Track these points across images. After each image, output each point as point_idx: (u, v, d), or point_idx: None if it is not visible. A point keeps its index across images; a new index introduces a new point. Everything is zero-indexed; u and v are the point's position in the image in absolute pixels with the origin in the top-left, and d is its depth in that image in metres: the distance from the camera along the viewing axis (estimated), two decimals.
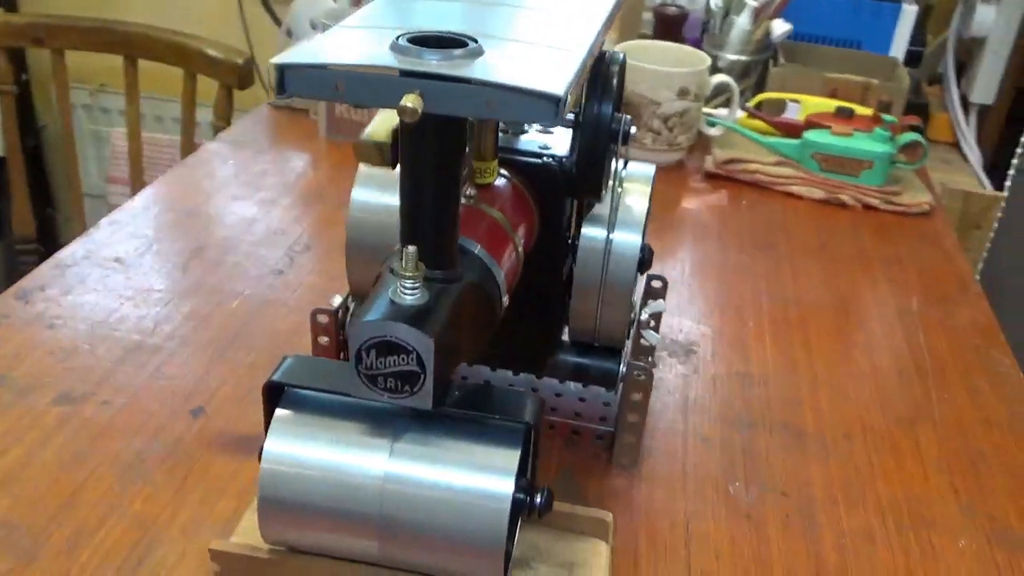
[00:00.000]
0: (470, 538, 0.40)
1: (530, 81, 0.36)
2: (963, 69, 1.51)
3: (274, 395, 0.43)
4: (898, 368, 0.78)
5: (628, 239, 0.57)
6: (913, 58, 1.31)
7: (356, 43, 0.40)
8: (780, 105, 1.20)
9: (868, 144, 1.06)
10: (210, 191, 0.98)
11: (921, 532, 0.61)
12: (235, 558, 0.44)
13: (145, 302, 0.78)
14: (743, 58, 1.26)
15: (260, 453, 0.44)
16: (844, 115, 1.12)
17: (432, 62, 0.37)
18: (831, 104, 1.14)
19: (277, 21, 1.59)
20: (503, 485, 0.40)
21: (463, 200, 0.50)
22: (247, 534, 0.46)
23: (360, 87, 0.37)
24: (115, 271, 0.82)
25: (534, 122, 0.37)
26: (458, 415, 0.42)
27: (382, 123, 0.51)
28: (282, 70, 0.37)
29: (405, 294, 0.40)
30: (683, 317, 0.82)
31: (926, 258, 0.97)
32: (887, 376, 0.77)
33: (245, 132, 1.13)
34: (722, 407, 0.71)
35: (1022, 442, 0.70)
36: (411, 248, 0.40)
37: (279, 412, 0.42)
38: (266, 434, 0.44)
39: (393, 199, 0.58)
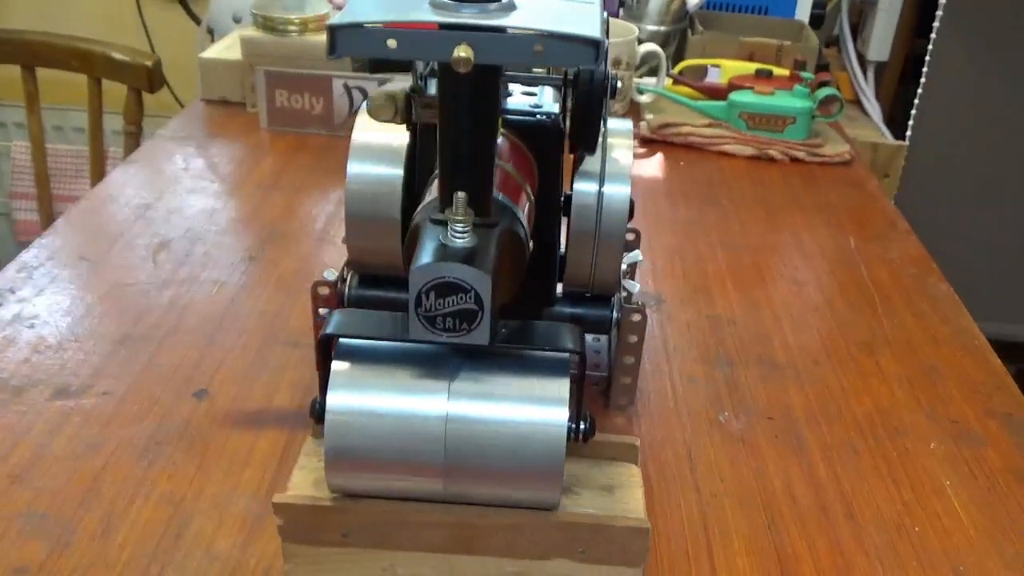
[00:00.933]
0: (531, 466, 0.43)
1: (571, 28, 0.39)
2: (856, 30, 1.61)
3: (327, 349, 0.45)
4: (848, 300, 0.84)
5: (618, 191, 0.60)
6: (814, 21, 1.39)
7: (395, 3, 0.42)
8: (702, 70, 1.26)
9: (790, 101, 1.13)
10: (163, 186, 0.97)
11: (896, 440, 0.66)
12: (300, 509, 0.46)
13: (122, 295, 0.77)
14: (662, 28, 1.31)
15: (313, 408, 0.46)
16: (763, 76, 1.18)
17: (477, 15, 0.39)
18: (750, 67, 1.21)
19: (196, 19, 1.57)
20: (559, 413, 0.43)
21: None
22: (298, 488, 0.48)
23: (411, 43, 0.39)
24: (84, 268, 0.81)
25: (575, 66, 0.40)
26: (507, 351, 0.45)
27: (382, 89, 0.53)
28: (333, 31, 0.39)
29: (456, 237, 0.42)
30: (649, 269, 0.86)
31: (855, 202, 1.04)
32: (840, 308, 0.83)
33: (184, 128, 1.12)
34: (700, 348, 0.76)
35: (967, 356, 0.77)
36: (461, 194, 0.42)
37: (336, 364, 0.44)
38: (322, 387, 0.45)
39: (387, 169, 0.61)
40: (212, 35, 1.33)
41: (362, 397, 0.44)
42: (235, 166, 1.03)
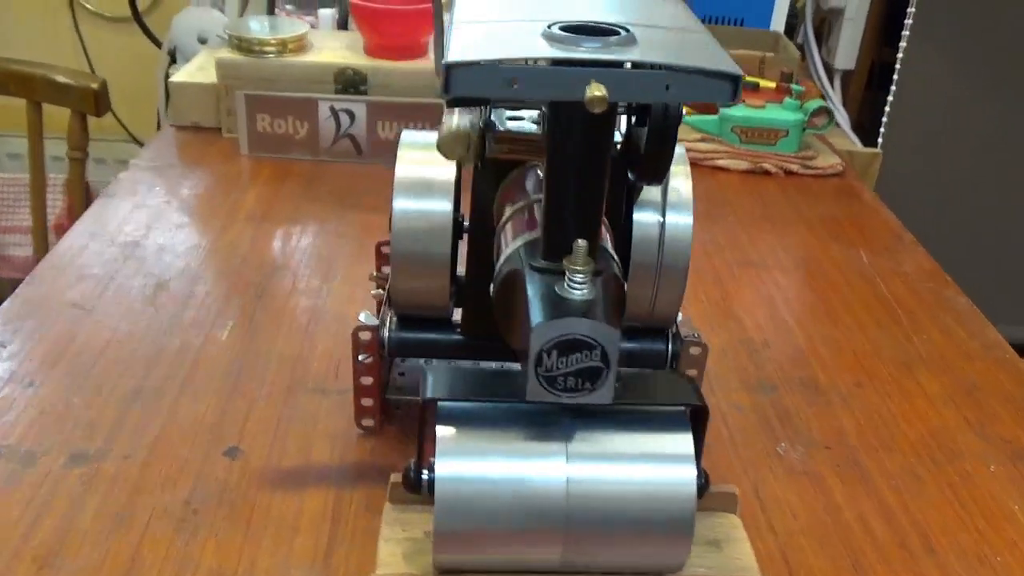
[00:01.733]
0: (659, 527, 0.40)
1: (701, 61, 0.36)
2: (820, 39, 1.62)
3: (428, 413, 0.41)
4: (874, 318, 0.83)
5: (682, 220, 0.58)
6: (787, 31, 1.39)
7: (505, 36, 0.38)
8: None
9: (781, 114, 1.13)
10: (148, 221, 0.91)
11: (955, 463, 0.65)
12: None
13: (126, 345, 0.72)
14: None
15: (408, 477, 0.42)
16: (751, 88, 1.18)
17: (601, 50, 0.36)
18: None
19: (156, 42, 1.49)
20: (687, 471, 0.41)
21: None
22: (391, 566, 0.44)
23: (537, 81, 0.36)
24: (78, 316, 0.75)
25: (709, 101, 0.37)
26: (620, 407, 0.42)
27: (452, 124, 0.50)
28: (450, 69, 0.35)
29: (575, 289, 0.39)
30: None
31: (856, 214, 1.03)
32: (868, 325, 0.82)
33: (159, 157, 1.06)
34: (740, 375, 0.73)
35: (1003, 371, 0.76)
36: (582, 242, 0.39)
37: (442, 430, 0.41)
38: (420, 454, 0.42)
39: (437, 204, 0.57)
40: (174, 57, 1.27)
41: (474, 464, 0.40)
42: (221, 196, 0.97)
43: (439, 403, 0.41)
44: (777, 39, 1.33)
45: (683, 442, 0.41)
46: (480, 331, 0.61)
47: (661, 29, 0.40)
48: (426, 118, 1.05)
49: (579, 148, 0.40)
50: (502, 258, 0.46)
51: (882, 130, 1.46)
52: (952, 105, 1.47)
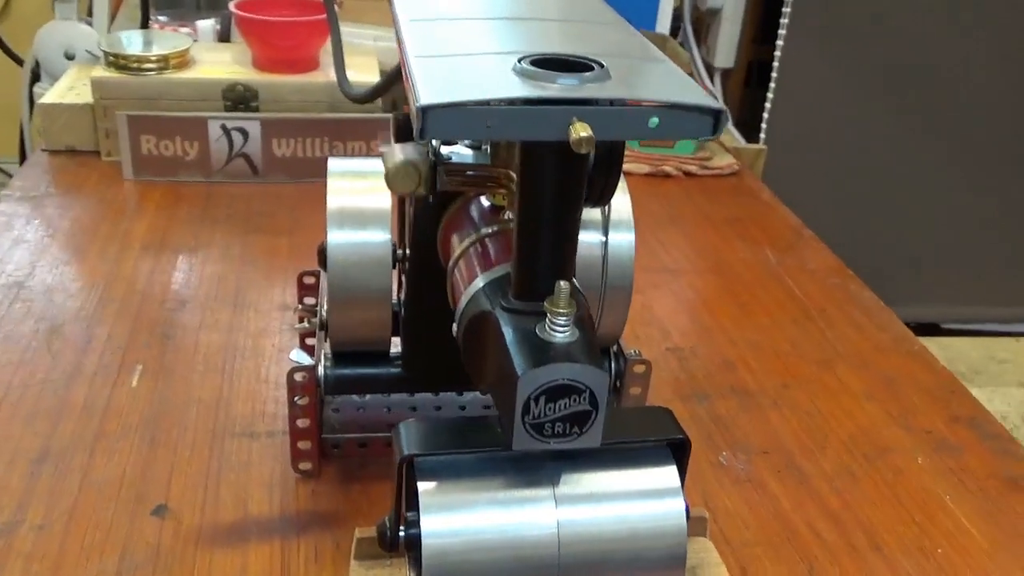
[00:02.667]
0: (652, 563, 0.40)
1: (685, 96, 0.35)
2: (699, 38, 1.66)
3: (406, 470, 0.39)
4: (790, 316, 0.85)
5: (623, 239, 0.57)
6: (671, 32, 1.41)
7: (479, 75, 0.36)
8: None
9: None
10: (30, 259, 0.84)
11: (886, 458, 0.67)
12: None
13: (24, 400, 0.66)
14: None
15: (384, 536, 0.40)
16: None
17: (578, 88, 0.35)
18: None
19: (17, 60, 1.38)
20: (675, 504, 0.40)
21: (507, 224, 0.48)
22: None
23: (514, 122, 0.34)
24: None
25: (691, 137, 0.36)
26: (603, 446, 0.40)
27: (400, 150, 0.47)
28: (426, 111, 0.33)
29: (557, 331, 0.38)
30: None
31: (757, 213, 1.06)
32: (785, 324, 0.84)
33: (32, 186, 0.98)
34: (673, 385, 0.74)
35: (914, 362, 0.79)
36: (565, 284, 0.37)
37: (423, 485, 0.38)
38: (397, 511, 0.39)
39: (375, 235, 0.54)
40: (38, 74, 1.18)
41: (461, 518, 0.38)
42: (109, 226, 0.91)
43: (420, 458, 0.39)
44: (665, 41, 1.35)
45: (669, 476, 0.40)
46: (423, 364, 0.59)
47: (629, 60, 0.39)
48: (324, 134, 1.01)
49: (555, 188, 0.38)
50: (465, 297, 0.44)
51: (764, 126, 1.51)
52: (829, 99, 1.53)
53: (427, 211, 0.53)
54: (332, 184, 0.56)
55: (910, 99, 1.54)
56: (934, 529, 0.61)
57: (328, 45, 1.06)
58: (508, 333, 0.38)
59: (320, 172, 1.02)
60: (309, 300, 0.69)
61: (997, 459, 0.68)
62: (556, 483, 0.39)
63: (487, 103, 0.34)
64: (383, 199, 0.56)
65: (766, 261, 0.95)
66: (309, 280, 0.68)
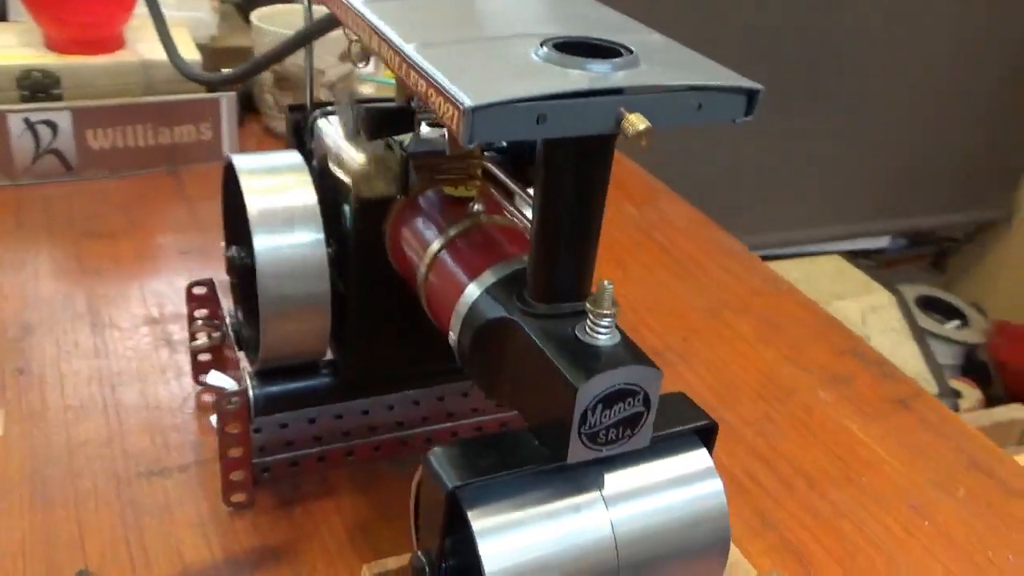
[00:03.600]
0: (702, 546, 0.39)
1: (723, 79, 0.34)
2: None
3: (453, 501, 0.36)
4: (670, 271, 0.87)
5: None
6: None
7: (515, 67, 0.33)
8: None
9: None
10: None
11: (795, 398, 0.71)
12: None
13: None
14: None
15: (424, 568, 0.37)
16: None
17: (627, 74, 0.33)
18: None
19: None
20: (715, 485, 0.39)
21: (478, 218, 0.45)
22: None
23: (566, 118, 0.31)
24: None
25: (727, 119, 0.35)
26: None
27: (357, 147, 0.43)
28: (475, 113, 0.30)
29: (600, 334, 0.36)
30: None
31: None
32: (666, 279, 0.85)
33: None
34: None
35: (789, 300, 0.84)
36: (609, 283, 0.35)
37: (474, 514, 0.35)
38: (442, 546, 0.36)
39: (307, 235, 0.49)
40: None
41: (517, 539, 0.36)
42: None
43: (463, 488, 0.36)
44: None
45: (702, 459, 0.40)
46: (363, 370, 0.54)
47: (637, 40, 0.36)
48: (146, 120, 0.91)
49: (581, 183, 0.35)
50: (463, 305, 0.40)
51: None
52: None
53: (370, 206, 0.48)
54: (247, 183, 0.50)
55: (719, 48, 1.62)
56: (853, 459, 0.65)
57: (134, 21, 0.95)
58: (545, 342, 0.36)
59: (147, 163, 0.93)
60: (201, 312, 0.62)
61: (883, 384, 0.74)
62: (601, 485, 0.38)
63: (539, 99, 0.30)
64: (308, 195, 0.50)
65: (632, 216, 0.96)
66: (200, 291, 0.61)
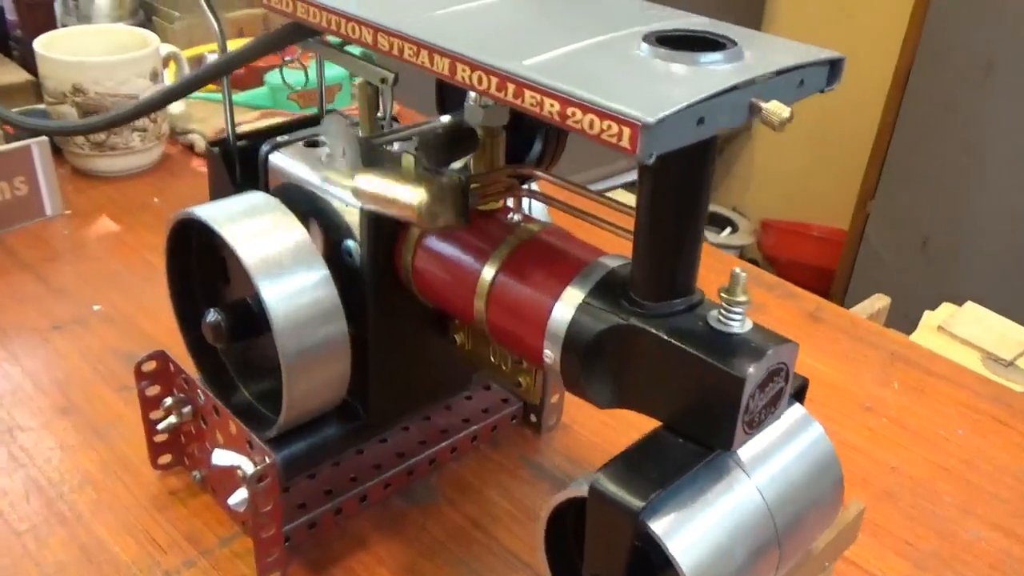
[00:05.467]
0: (827, 486, 0.41)
1: (814, 54, 0.35)
2: None
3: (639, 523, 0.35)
4: None
5: None
6: None
7: (645, 68, 0.32)
8: (199, 61, 1.11)
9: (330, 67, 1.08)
10: None
11: None
12: None
13: None
14: (123, 25, 1.11)
15: None
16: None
17: (743, 65, 0.33)
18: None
19: None
20: (818, 429, 0.41)
21: (520, 232, 0.43)
22: None
23: (717, 114, 0.31)
24: None
25: (815, 91, 0.35)
26: None
27: (408, 183, 0.40)
28: (651, 129, 0.29)
29: (735, 321, 0.36)
30: None
31: None
32: None
33: None
34: None
35: None
36: (743, 272, 0.36)
37: (658, 526, 0.35)
38: (626, 566, 0.36)
39: (309, 275, 0.46)
40: None
41: (698, 535, 0.36)
42: None
43: (648, 507, 0.35)
44: None
45: (800, 411, 0.41)
46: (390, 401, 0.51)
47: (720, 28, 0.36)
48: None
49: (693, 179, 0.35)
50: (557, 321, 0.39)
51: None
52: None
53: (383, 239, 0.45)
54: (231, 233, 0.45)
55: None
56: None
57: None
58: (685, 340, 0.36)
59: None
60: (152, 389, 0.55)
61: (791, 303, 0.80)
62: (737, 460, 0.38)
63: (699, 102, 0.30)
64: (294, 223, 0.46)
65: None
66: (150, 367, 0.54)
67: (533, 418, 0.63)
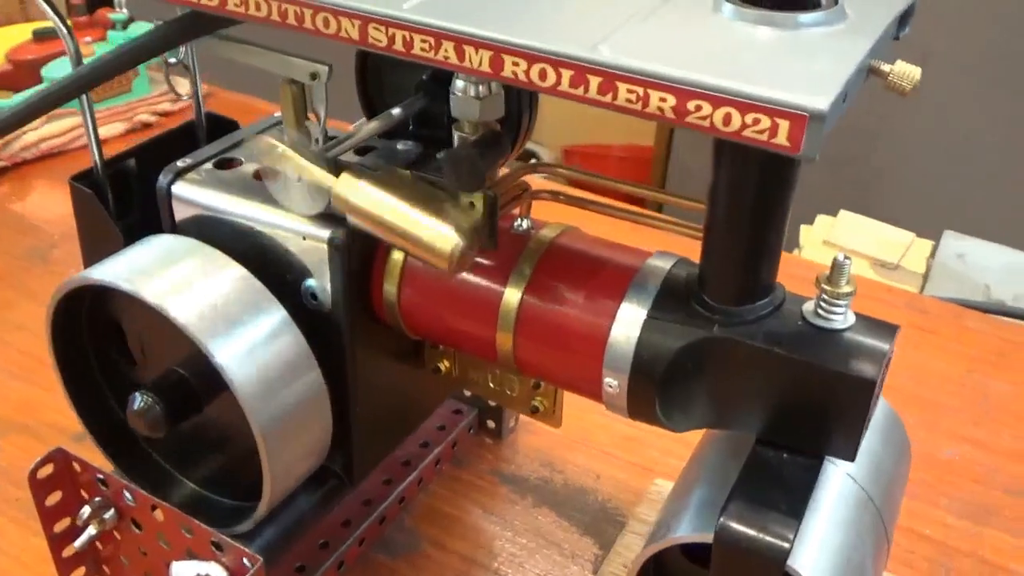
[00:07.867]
0: (900, 453, 0.39)
1: (896, 3, 0.30)
2: None
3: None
4: None
5: None
6: None
7: (778, 40, 0.26)
8: None
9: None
10: None
11: None
12: None
13: None
14: None
15: None
16: (46, 35, 0.93)
17: (850, 24, 0.28)
18: (24, 31, 0.93)
19: None
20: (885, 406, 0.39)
21: (538, 240, 0.36)
22: None
23: (853, 87, 0.26)
24: None
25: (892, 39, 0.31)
26: None
27: (429, 213, 0.32)
28: (820, 118, 0.23)
29: (836, 313, 0.32)
30: None
31: None
32: None
33: None
34: None
35: None
36: (846, 258, 0.31)
37: (801, 565, 0.31)
38: None
39: (265, 321, 0.38)
40: None
41: (825, 552, 0.32)
42: None
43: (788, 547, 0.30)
44: None
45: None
46: (376, 451, 0.44)
47: None
48: None
49: (778, 169, 0.30)
50: (621, 346, 0.32)
51: None
52: None
53: (357, 274, 0.37)
54: (149, 291, 0.35)
55: None
56: None
57: None
58: (789, 347, 0.31)
59: None
60: (54, 497, 0.43)
61: None
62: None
63: (851, 77, 0.25)
64: (232, 268, 0.37)
65: None
66: (46, 472, 0.42)
67: (491, 424, 0.57)
